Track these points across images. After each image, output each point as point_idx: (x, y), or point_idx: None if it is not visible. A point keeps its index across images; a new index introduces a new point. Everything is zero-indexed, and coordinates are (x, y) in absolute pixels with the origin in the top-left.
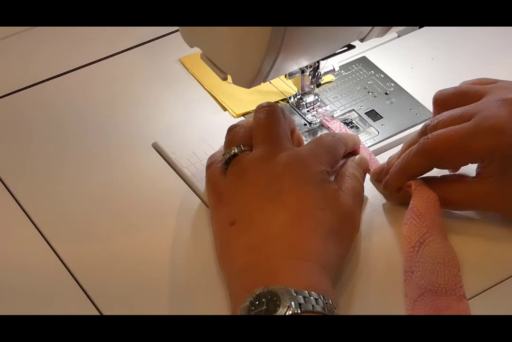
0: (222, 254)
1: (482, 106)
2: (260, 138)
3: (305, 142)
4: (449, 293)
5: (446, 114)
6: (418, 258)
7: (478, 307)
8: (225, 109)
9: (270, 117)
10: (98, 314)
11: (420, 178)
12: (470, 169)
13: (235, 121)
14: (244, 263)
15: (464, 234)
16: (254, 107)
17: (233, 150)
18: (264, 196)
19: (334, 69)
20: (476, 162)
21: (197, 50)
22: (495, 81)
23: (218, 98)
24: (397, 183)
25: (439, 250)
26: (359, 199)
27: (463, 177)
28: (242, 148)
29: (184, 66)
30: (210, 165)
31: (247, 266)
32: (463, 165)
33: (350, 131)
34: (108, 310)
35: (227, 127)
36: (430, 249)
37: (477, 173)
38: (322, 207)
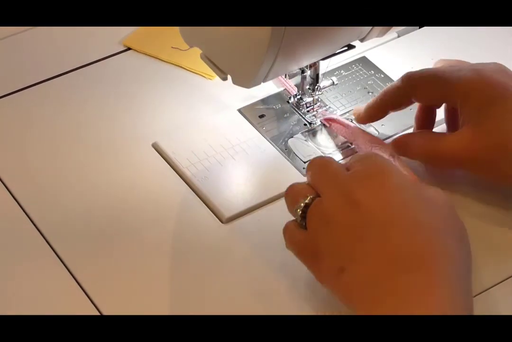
0: (347, 303)
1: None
2: (321, 181)
3: None
4: None
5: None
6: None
7: (479, 307)
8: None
9: (322, 162)
10: (98, 314)
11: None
12: None
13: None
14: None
15: None
16: None
17: (302, 203)
18: (359, 232)
19: (333, 82)
20: (450, 101)
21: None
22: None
23: (186, 67)
24: (371, 112)
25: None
26: None
27: (440, 133)
28: (311, 197)
29: (132, 48)
30: (285, 230)
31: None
32: (436, 102)
33: (352, 124)
34: (108, 310)
35: (228, 127)
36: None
37: (450, 124)
38: (427, 210)
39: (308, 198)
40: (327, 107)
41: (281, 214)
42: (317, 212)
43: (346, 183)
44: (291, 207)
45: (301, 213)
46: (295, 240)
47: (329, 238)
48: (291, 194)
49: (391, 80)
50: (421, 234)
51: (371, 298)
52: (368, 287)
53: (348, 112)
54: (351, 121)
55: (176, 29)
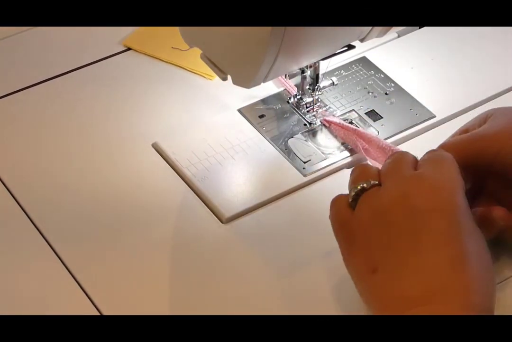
0: (369, 304)
1: None
2: (389, 172)
3: None
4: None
5: None
6: None
7: None
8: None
9: (399, 156)
10: (98, 314)
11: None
12: None
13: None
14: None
15: None
16: None
17: (359, 185)
18: (410, 237)
19: (333, 82)
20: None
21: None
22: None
23: (186, 68)
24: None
25: None
26: None
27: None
28: (371, 182)
29: (132, 48)
30: (334, 202)
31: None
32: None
33: (351, 126)
34: (108, 310)
35: (228, 127)
36: None
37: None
38: (476, 239)
39: (369, 183)
40: (327, 107)
41: (281, 214)
42: (370, 200)
43: (408, 182)
44: (351, 184)
45: (354, 195)
46: (340, 216)
47: (372, 232)
48: (358, 172)
49: (391, 80)
50: (467, 272)
51: (393, 310)
52: (394, 299)
53: (348, 112)
54: (350, 123)
55: (176, 29)
